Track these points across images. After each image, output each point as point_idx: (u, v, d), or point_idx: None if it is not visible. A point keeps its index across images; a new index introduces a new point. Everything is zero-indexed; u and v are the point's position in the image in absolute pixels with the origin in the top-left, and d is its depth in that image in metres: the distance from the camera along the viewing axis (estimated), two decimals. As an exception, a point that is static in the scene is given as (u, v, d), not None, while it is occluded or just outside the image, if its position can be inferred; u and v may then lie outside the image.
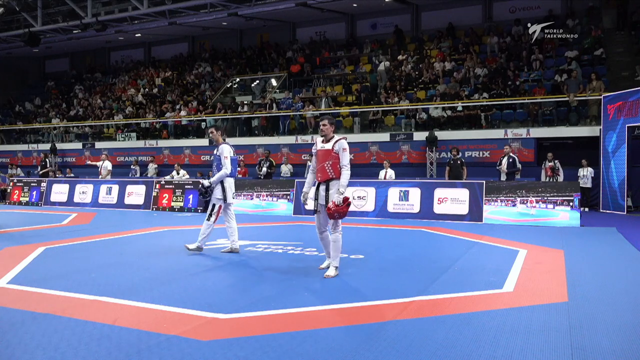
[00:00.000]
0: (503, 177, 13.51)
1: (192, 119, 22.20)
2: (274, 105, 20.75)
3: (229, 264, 6.79)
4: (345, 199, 5.76)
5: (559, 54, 18.37)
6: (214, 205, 7.52)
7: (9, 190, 17.53)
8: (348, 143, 6.03)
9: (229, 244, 7.65)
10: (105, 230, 10.26)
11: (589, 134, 15.00)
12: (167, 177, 16.65)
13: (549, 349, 3.62)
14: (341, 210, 5.76)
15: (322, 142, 5.98)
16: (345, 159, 5.83)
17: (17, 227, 10.70)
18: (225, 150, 7.46)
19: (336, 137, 5.95)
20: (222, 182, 7.51)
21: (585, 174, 13.96)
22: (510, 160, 13.66)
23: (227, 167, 7.40)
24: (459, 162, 14.10)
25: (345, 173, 5.83)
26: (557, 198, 10.79)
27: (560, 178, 13.73)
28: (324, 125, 5.95)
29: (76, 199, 16.09)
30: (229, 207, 7.66)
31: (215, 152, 7.65)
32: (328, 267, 6.04)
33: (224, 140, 7.76)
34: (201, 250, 7.55)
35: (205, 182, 7.63)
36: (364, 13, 23.75)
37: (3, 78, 31.82)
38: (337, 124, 19.41)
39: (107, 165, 16.95)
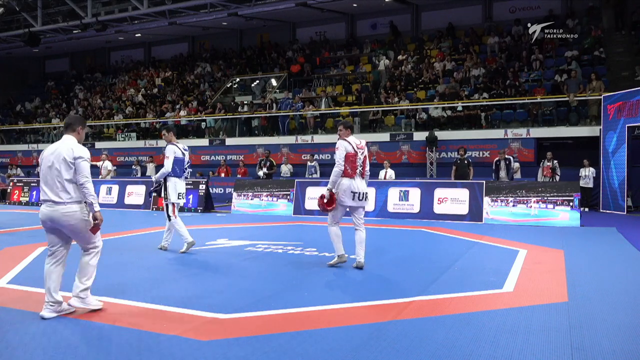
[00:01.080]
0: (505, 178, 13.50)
1: (192, 119, 22.20)
2: (274, 105, 20.75)
3: (229, 264, 6.79)
4: (331, 194, 6.23)
5: (559, 54, 18.37)
6: (167, 206, 7.71)
7: (9, 190, 17.54)
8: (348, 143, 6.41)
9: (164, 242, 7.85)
10: (105, 230, 10.23)
11: (589, 134, 15.00)
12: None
13: (549, 349, 3.62)
14: (320, 204, 6.37)
15: None
16: (336, 156, 6.31)
17: (17, 227, 10.70)
18: (168, 151, 7.72)
19: (340, 138, 6.46)
20: (165, 182, 7.72)
21: (587, 174, 13.95)
22: (507, 162, 13.62)
23: (166, 166, 7.66)
24: (465, 162, 14.03)
25: (333, 170, 6.29)
26: (557, 198, 10.79)
27: (558, 178, 13.73)
28: (339, 130, 6.59)
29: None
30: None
31: None
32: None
33: (177, 141, 8.06)
34: (193, 244, 7.61)
35: (153, 178, 7.97)
36: (364, 13, 23.76)
37: (3, 78, 31.83)
38: (337, 124, 19.38)
39: (107, 165, 16.96)
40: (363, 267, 6.33)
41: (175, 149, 7.75)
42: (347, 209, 6.42)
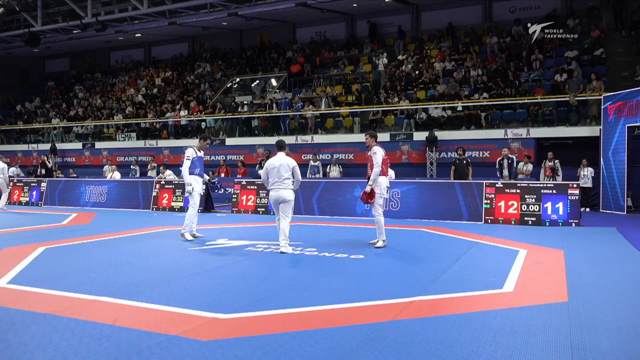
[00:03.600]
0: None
1: (192, 118, 22.21)
2: (274, 105, 20.75)
3: (229, 264, 6.80)
4: (371, 190, 7.85)
5: (559, 54, 18.37)
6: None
7: (9, 190, 17.54)
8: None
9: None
10: (105, 230, 10.27)
11: (589, 134, 15.00)
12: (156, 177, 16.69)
13: (549, 349, 3.62)
14: (364, 198, 7.98)
15: (368, 150, 8.14)
16: (375, 159, 7.86)
17: (17, 227, 10.70)
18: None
19: (373, 145, 7.98)
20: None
21: (586, 173, 13.95)
22: (510, 161, 13.70)
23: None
24: (464, 161, 14.03)
25: (374, 170, 7.86)
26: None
27: (559, 178, 13.73)
28: (366, 138, 8.21)
29: (76, 199, 16.10)
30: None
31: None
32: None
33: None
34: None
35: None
36: (364, 13, 23.75)
37: (3, 78, 31.82)
38: (337, 124, 19.47)
39: (116, 176, 17.16)
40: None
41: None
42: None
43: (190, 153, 9.09)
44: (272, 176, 7.68)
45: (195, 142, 21.28)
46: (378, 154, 7.86)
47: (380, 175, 7.87)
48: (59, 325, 4.15)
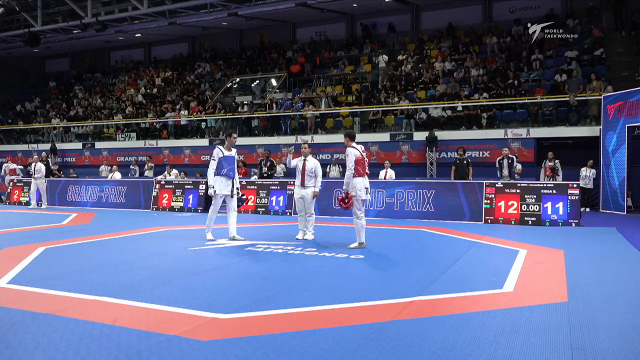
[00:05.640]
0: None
1: (192, 118, 22.21)
2: (274, 105, 20.76)
3: (229, 264, 6.79)
4: (346, 194, 7.66)
5: (559, 54, 18.38)
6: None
7: (9, 191, 17.55)
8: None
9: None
10: (105, 230, 10.26)
11: (589, 134, 15.01)
12: (159, 177, 16.69)
13: (549, 349, 3.62)
14: (342, 205, 7.77)
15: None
16: (347, 162, 7.72)
17: (17, 227, 10.70)
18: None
19: (349, 146, 7.77)
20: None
21: (588, 174, 13.95)
22: (509, 161, 13.72)
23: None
24: (465, 161, 14.03)
25: (346, 174, 7.74)
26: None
27: (559, 178, 13.74)
28: (344, 139, 7.95)
29: (76, 199, 16.10)
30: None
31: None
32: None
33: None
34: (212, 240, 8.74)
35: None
36: (363, 13, 23.76)
37: (3, 78, 31.83)
38: (337, 124, 19.47)
39: (117, 176, 17.19)
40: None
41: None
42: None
43: (215, 153, 8.58)
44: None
45: (195, 142, 21.45)
46: (350, 156, 7.63)
47: (356, 177, 7.62)
48: (59, 325, 4.14)
